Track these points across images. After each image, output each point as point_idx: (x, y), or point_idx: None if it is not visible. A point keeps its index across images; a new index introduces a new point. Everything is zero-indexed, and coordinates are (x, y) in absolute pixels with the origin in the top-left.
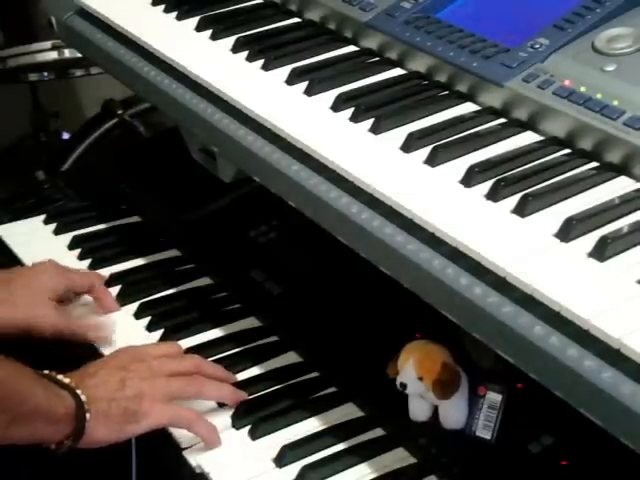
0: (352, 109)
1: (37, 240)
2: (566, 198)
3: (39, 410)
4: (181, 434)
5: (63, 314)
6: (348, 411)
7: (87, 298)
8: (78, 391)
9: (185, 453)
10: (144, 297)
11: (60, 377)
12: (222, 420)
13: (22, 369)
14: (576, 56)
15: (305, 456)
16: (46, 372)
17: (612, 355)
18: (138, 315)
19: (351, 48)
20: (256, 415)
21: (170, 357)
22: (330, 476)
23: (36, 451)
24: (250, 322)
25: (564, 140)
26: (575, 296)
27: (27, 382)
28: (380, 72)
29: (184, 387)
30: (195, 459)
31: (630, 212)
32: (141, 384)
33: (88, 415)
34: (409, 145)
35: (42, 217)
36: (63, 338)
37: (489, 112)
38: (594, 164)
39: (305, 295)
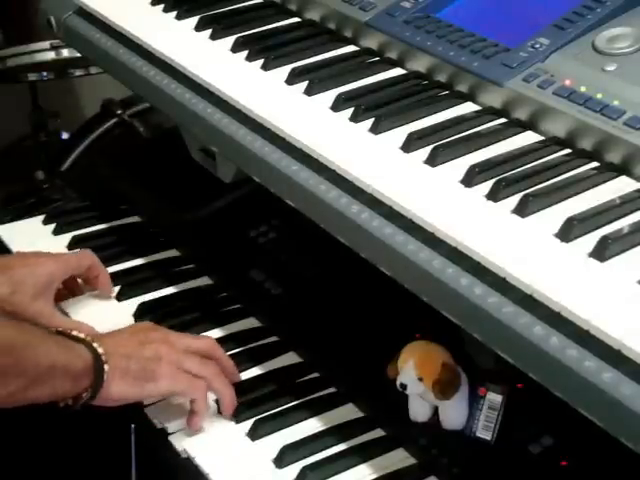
0: (352, 109)
1: (36, 240)
2: (566, 198)
3: (56, 367)
4: (181, 442)
5: (59, 314)
6: (348, 411)
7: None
8: (95, 344)
9: (185, 453)
10: (144, 297)
11: (75, 332)
12: (222, 420)
13: (30, 328)
14: (576, 56)
15: (305, 456)
16: (59, 329)
17: (612, 356)
18: (138, 315)
19: (351, 48)
20: (256, 415)
21: (187, 335)
22: (330, 477)
23: (38, 452)
24: (250, 322)
25: (564, 140)
26: (575, 296)
27: (39, 340)
28: (380, 72)
29: (199, 365)
30: (195, 459)
31: (631, 212)
32: (160, 348)
33: (106, 367)
34: (409, 145)
35: (41, 217)
36: None
37: (489, 112)
38: (594, 164)
39: (305, 295)
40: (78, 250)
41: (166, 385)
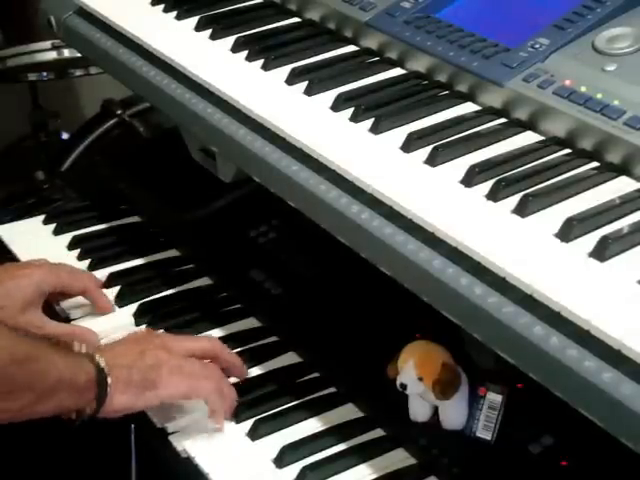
0: (352, 109)
1: (37, 240)
2: (566, 198)
3: (62, 380)
4: (181, 442)
5: (50, 320)
6: (348, 411)
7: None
8: (96, 356)
9: (185, 453)
10: (144, 297)
11: (76, 345)
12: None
13: (38, 341)
14: (576, 56)
15: (305, 456)
16: (61, 341)
17: (612, 355)
18: (138, 315)
19: (351, 48)
20: (256, 415)
21: (186, 338)
22: (330, 477)
23: (38, 451)
24: (250, 322)
25: (564, 140)
26: (575, 296)
27: (47, 354)
28: (380, 72)
29: (200, 369)
30: (195, 459)
31: (631, 212)
32: (160, 354)
33: (109, 379)
34: (409, 145)
35: (42, 217)
36: None
37: (489, 112)
38: (594, 164)
39: (305, 295)
40: (82, 269)
41: (167, 392)
